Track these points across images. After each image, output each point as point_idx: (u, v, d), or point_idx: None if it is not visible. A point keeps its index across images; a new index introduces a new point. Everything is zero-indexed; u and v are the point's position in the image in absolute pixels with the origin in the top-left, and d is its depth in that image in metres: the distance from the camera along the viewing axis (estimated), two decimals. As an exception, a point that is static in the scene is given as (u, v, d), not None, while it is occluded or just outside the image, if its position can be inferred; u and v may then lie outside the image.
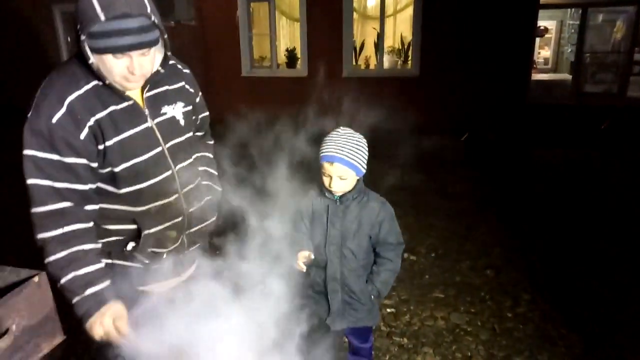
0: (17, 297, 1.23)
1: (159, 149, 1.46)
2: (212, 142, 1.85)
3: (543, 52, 14.30)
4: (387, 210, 1.89)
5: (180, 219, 1.57)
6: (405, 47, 9.96)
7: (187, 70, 1.63)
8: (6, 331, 1.19)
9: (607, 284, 3.24)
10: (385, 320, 2.90)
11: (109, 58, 1.27)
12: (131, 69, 1.30)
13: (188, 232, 1.62)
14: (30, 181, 1.30)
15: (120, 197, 1.45)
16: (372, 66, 10.26)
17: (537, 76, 10.68)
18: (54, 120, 1.29)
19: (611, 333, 2.73)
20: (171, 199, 1.52)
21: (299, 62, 9.68)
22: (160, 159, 1.47)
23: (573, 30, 11.69)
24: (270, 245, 1.74)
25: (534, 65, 10.61)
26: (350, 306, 1.93)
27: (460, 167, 6.09)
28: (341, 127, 1.84)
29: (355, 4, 8.90)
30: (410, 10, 8.95)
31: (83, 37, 1.24)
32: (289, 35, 11.27)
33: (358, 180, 1.84)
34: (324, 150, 1.78)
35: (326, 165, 1.77)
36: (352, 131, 1.82)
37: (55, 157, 1.30)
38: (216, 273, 1.74)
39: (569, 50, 12.53)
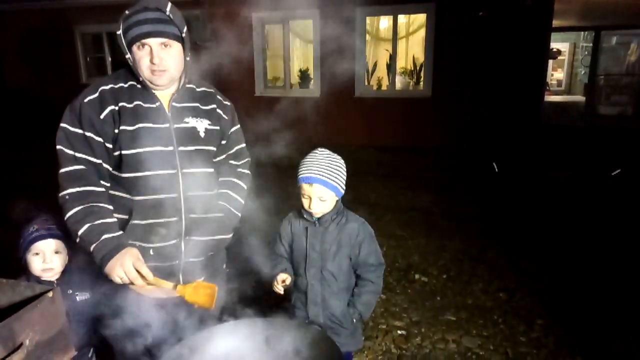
0: (32, 312, 1.25)
1: (170, 148, 1.61)
2: (246, 172, 1.92)
3: (556, 74, 14.30)
4: (366, 230, 1.87)
5: (175, 219, 1.63)
6: (418, 68, 10.04)
7: (227, 102, 1.84)
8: (20, 345, 1.20)
9: (623, 309, 3.17)
10: (396, 342, 2.86)
11: (135, 51, 1.54)
12: (152, 59, 1.53)
13: (187, 238, 1.67)
14: (58, 147, 1.56)
15: (122, 181, 1.61)
16: (384, 87, 10.33)
17: (550, 98, 10.64)
18: (86, 100, 1.56)
19: (629, 360, 2.66)
20: (169, 196, 1.61)
21: (311, 82, 9.81)
22: (169, 156, 1.61)
23: (586, 53, 11.68)
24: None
25: (547, 87, 10.58)
26: (332, 330, 1.84)
27: (472, 188, 6.05)
28: (319, 149, 1.84)
29: (368, 26, 9.04)
30: (422, 32, 9.05)
31: (119, 33, 1.53)
32: (303, 56, 11.45)
33: (337, 201, 1.82)
34: (302, 172, 1.77)
35: (305, 186, 1.76)
36: (330, 152, 1.82)
37: (79, 131, 1.55)
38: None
39: (583, 72, 12.51)
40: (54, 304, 1.34)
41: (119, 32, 1.54)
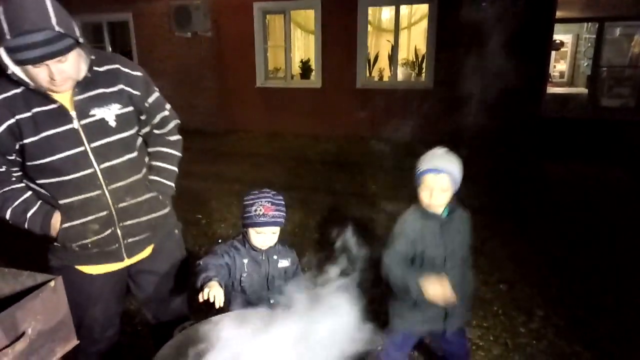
0: (34, 301, 1.26)
1: (80, 148, 1.57)
2: (175, 139, 1.89)
3: (559, 66, 14.20)
4: (469, 216, 2.09)
5: (104, 213, 1.66)
6: (419, 59, 9.99)
7: (136, 73, 1.70)
8: (22, 334, 1.21)
9: (623, 301, 3.18)
10: (396, 333, 2.88)
11: (30, 68, 1.42)
12: (51, 75, 1.44)
13: (122, 224, 1.71)
14: None
15: (41, 186, 1.62)
16: (385, 78, 10.29)
17: (552, 90, 10.58)
18: None
19: (626, 351, 2.67)
20: (93, 194, 1.62)
21: (313, 73, 9.76)
22: (81, 158, 1.58)
23: (589, 44, 11.59)
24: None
25: (550, 79, 10.53)
26: (453, 309, 2.01)
27: (474, 180, 6.03)
28: (438, 147, 1.95)
29: (370, 17, 8.96)
30: (424, 23, 8.99)
31: (1, 50, 1.39)
32: (304, 47, 11.39)
33: (452, 196, 1.96)
34: (428, 164, 1.89)
35: (431, 177, 1.87)
36: (448, 150, 1.96)
37: None
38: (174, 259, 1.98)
39: (585, 64, 12.43)
40: (56, 294, 1.34)
41: (1, 49, 1.39)
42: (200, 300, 1.59)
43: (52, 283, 1.33)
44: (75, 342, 1.40)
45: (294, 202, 5.05)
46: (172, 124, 1.88)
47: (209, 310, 1.62)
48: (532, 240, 4.18)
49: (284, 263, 1.98)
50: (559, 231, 4.37)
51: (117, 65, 1.65)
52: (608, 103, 9.26)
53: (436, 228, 1.95)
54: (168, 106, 1.87)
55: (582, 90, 11.44)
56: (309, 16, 9.70)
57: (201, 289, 1.61)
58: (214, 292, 1.57)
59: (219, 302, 1.57)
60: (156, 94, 1.79)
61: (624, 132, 7.41)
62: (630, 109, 8.49)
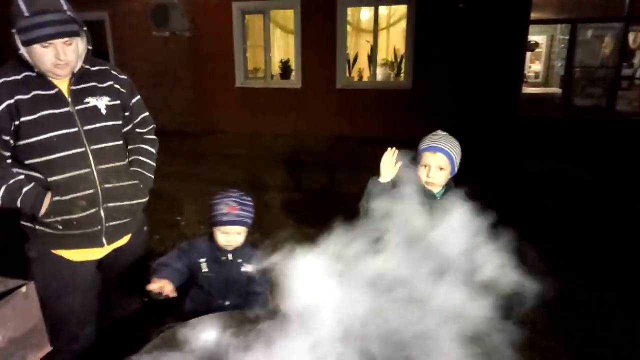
0: (4, 308, 1.22)
1: (74, 129, 1.74)
2: (153, 138, 2.11)
3: (534, 66, 14.51)
4: (470, 208, 2.06)
5: (91, 191, 1.79)
6: (398, 60, 10.07)
7: (123, 76, 1.95)
8: (-8, 342, 1.18)
9: (596, 297, 3.26)
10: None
11: (38, 48, 1.60)
12: (58, 55, 1.62)
13: (105, 206, 1.83)
14: None
15: (34, 166, 1.72)
16: (365, 78, 10.34)
17: (527, 90, 10.80)
18: None
19: (600, 347, 2.74)
20: (82, 171, 1.76)
21: (292, 73, 9.75)
22: (74, 137, 1.74)
23: (563, 45, 11.87)
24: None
25: (525, 79, 10.74)
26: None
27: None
28: (439, 130, 2.05)
29: (349, 17, 9.00)
30: (403, 24, 9.08)
31: (14, 31, 1.57)
32: (283, 47, 11.37)
33: (450, 179, 2.04)
34: (427, 143, 1.99)
35: (429, 155, 1.97)
36: (448, 134, 2.05)
37: None
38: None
39: (559, 64, 12.73)
40: (28, 300, 1.31)
41: (14, 30, 1.58)
42: (149, 288, 1.73)
43: (23, 289, 1.29)
44: (48, 348, 1.37)
45: (274, 202, 5.03)
46: (151, 125, 2.11)
47: (156, 300, 1.79)
48: (508, 236, 4.25)
49: (248, 268, 1.95)
50: (534, 227, 4.46)
51: (107, 67, 1.90)
52: (581, 103, 9.50)
53: (426, 206, 1.98)
54: (147, 110, 2.09)
55: (557, 90, 11.71)
56: (288, 16, 9.68)
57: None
58: (162, 283, 1.74)
59: (169, 291, 1.75)
60: (139, 97, 2.02)
61: (596, 131, 7.62)
62: (602, 108, 8.73)
